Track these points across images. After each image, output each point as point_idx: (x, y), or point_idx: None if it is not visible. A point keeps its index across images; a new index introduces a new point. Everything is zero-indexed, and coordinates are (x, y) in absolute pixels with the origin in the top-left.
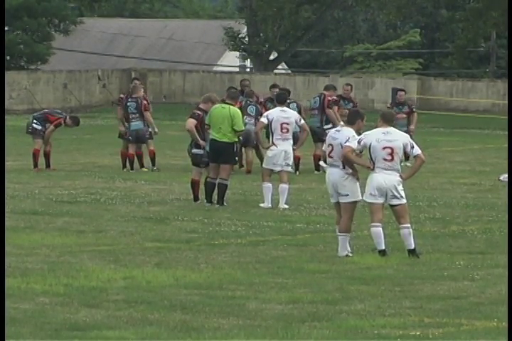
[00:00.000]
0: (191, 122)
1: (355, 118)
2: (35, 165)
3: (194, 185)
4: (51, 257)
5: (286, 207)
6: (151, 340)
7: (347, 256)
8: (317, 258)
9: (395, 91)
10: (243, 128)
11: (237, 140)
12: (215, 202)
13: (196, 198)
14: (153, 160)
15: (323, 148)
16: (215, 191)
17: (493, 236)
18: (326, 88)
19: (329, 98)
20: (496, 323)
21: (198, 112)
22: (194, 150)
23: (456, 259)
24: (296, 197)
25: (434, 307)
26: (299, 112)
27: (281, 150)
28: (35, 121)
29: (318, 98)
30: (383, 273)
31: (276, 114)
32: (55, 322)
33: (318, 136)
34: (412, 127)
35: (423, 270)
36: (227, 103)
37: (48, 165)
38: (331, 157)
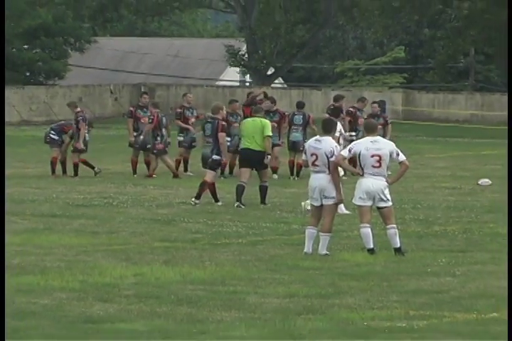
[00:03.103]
0: (223, 136)
1: (332, 127)
2: (53, 171)
3: (204, 185)
4: (68, 256)
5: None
6: (159, 332)
7: (326, 255)
8: (311, 256)
9: (382, 103)
10: (271, 133)
11: None
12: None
13: (197, 197)
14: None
15: (303, 157)
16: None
17: (473, 235)
18: (336, 100)
19: (350, 109)
20: (475, 315)
21: (223, 123)
22: (215, 156)
23: (438, 257)
24: (292, 200)
25: (419, 301)
26: (307, 123)
27: None
28: (52, 132)
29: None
30: (372, 270)
31: None
32: (72, 316)
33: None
34: (386, 138)
35: (408, 267)
36: (256, 116)
37: (64, 172)
38: (316, 165)
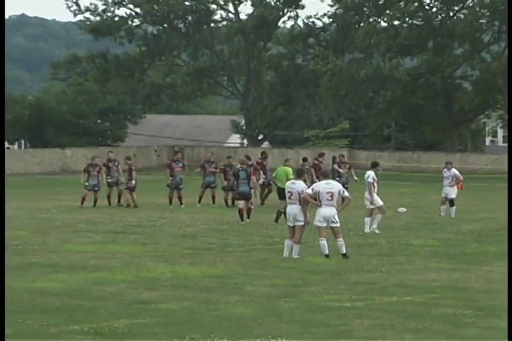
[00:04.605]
0: (254, 179)
1: (303, 174)
2: (109, 202)
3: (241, 212)
4: (126, 259)
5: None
6: (187, 310)
7: (297, 258)
8: (287, 259)
9: (333, 158)
10: (292, 177)
11: None
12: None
13: (242, 219)
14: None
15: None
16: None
17: (394, 245)
18: (320, 155)
19: (315, 162)
20: (396, 298)
21: (252, 171)
22: (252, 191)
23: (371, 260)
24: (275, 222)
25: (358, 289)
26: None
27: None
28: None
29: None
30: (327, 268)
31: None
32: (129, 299)
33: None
34: (354, 177)
35: (351, 266)
36: (286, 165)
37: (119, 201)
38: (291, 199)
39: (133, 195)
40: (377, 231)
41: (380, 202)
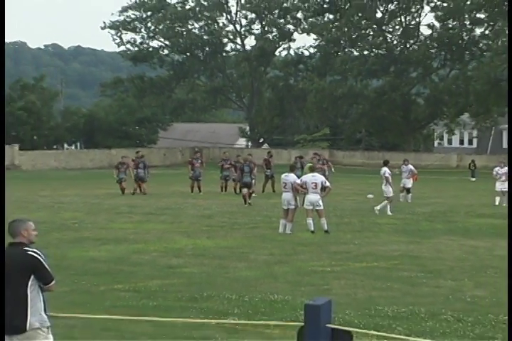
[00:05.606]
0: (254, 172)
1: (295, 169)
2: (140, 190)
3: (244, 197)
4: (157, 234)
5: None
6: (204, 273)
7: (290, 233)
8: (282, 234)
9: (322, 156)
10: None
11: None
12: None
13: (245, 202)
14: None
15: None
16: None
17: (364, 223)
18: (316, 154)
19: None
20: (365, 264)
21: (253, 166)
22: (253, 181)
23: (346, 234)
24: (272, 206)
25: (337, 257)
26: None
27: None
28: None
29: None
30: (313, 241)
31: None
32: (159, 265)
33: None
34: (332, 170)
35: (331, 239)
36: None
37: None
38: (285, 188)
39: (143, 184)
40: (377, 212)
41: (391, 193)
